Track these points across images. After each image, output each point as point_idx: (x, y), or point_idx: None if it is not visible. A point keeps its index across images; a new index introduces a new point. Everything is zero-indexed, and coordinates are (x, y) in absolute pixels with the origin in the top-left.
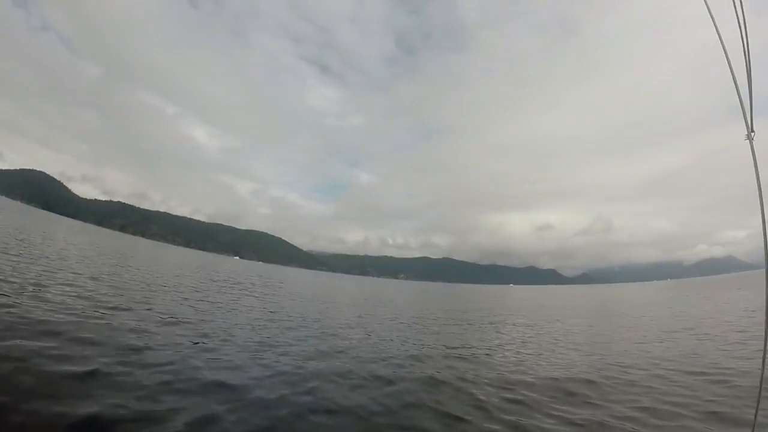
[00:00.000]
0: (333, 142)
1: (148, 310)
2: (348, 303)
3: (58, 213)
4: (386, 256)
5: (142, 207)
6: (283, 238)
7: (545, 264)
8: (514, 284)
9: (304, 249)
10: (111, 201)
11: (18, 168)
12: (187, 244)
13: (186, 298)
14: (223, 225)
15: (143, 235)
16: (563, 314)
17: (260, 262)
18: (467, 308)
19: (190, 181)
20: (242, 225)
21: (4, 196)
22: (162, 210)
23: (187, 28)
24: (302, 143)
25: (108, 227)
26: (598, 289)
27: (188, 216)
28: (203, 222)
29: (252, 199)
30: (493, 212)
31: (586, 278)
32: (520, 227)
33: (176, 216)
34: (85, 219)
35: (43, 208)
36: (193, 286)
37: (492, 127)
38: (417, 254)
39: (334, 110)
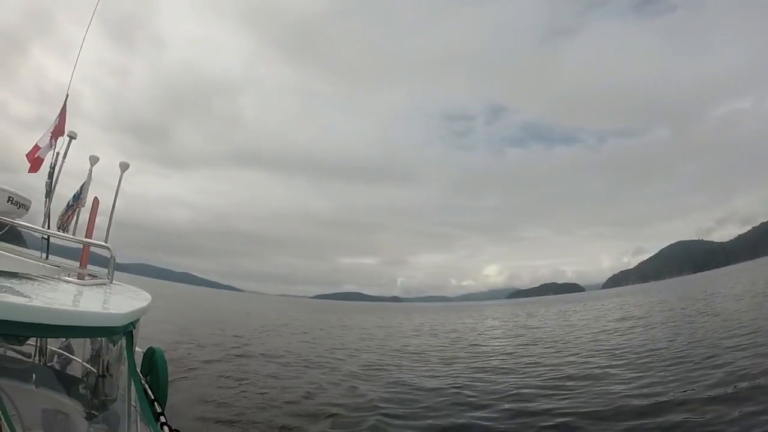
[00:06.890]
0: None
1: None
2: None
3: (712, 269)
4: None
5: None
6: None
7: None
8: None
9: None
10: (753, 227)
11: (654, 253)
12: None
13: None
14: None
15: None
16: None
17: None
18: None
19: None
20: None
21: (653, 281)
22: None
23: None
24: None
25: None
26: None
27: None
28: None
29: None
30: None
31: None
32: None
33: None
34: (737, 260)
35: (695, 272)
36: None
37: None
38: None
39: None
